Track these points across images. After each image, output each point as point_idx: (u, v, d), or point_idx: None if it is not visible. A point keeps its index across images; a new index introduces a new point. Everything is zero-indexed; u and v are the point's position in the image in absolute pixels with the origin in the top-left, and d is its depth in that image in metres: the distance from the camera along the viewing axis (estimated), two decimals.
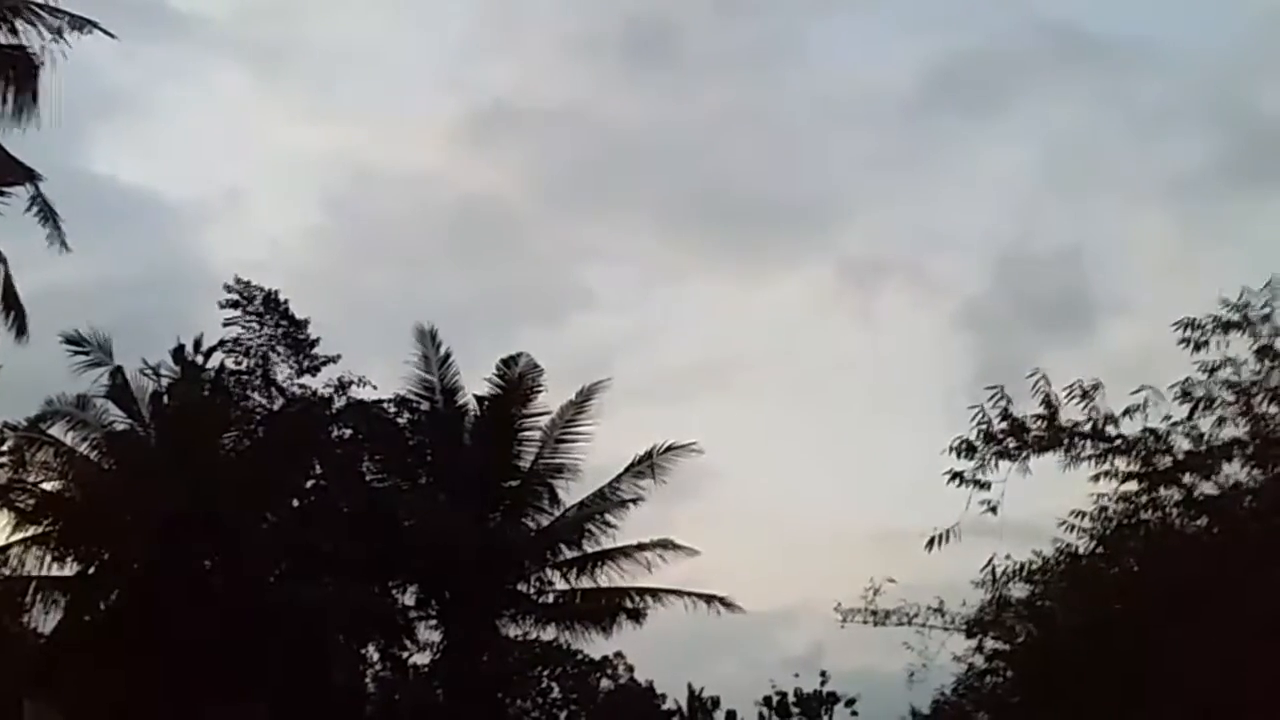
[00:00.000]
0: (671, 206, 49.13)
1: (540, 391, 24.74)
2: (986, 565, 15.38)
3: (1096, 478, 14.34)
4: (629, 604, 24.12)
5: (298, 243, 45.05)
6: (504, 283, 45.84)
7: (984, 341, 43.06)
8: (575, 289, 46.14)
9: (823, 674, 37.86)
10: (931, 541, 14.10)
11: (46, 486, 22.66)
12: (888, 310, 48.49)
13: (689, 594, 24.43)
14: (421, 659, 24.56)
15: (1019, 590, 16.53)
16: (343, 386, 24.01)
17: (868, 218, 50.33)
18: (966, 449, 13.96)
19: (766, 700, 38.67)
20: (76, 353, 22.76)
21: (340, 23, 51.27)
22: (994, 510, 13.89)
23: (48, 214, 18.62)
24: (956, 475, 13.94)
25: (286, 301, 24.31)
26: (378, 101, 50.12)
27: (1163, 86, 47.92)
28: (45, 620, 21.98)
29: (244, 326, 24.03)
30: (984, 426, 14.00)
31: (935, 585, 17.81)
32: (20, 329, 18.80)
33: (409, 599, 24.30)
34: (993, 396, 14.03)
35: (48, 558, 21.88)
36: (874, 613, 17.05)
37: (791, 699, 38.62)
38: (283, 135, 48.51)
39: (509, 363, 24.61)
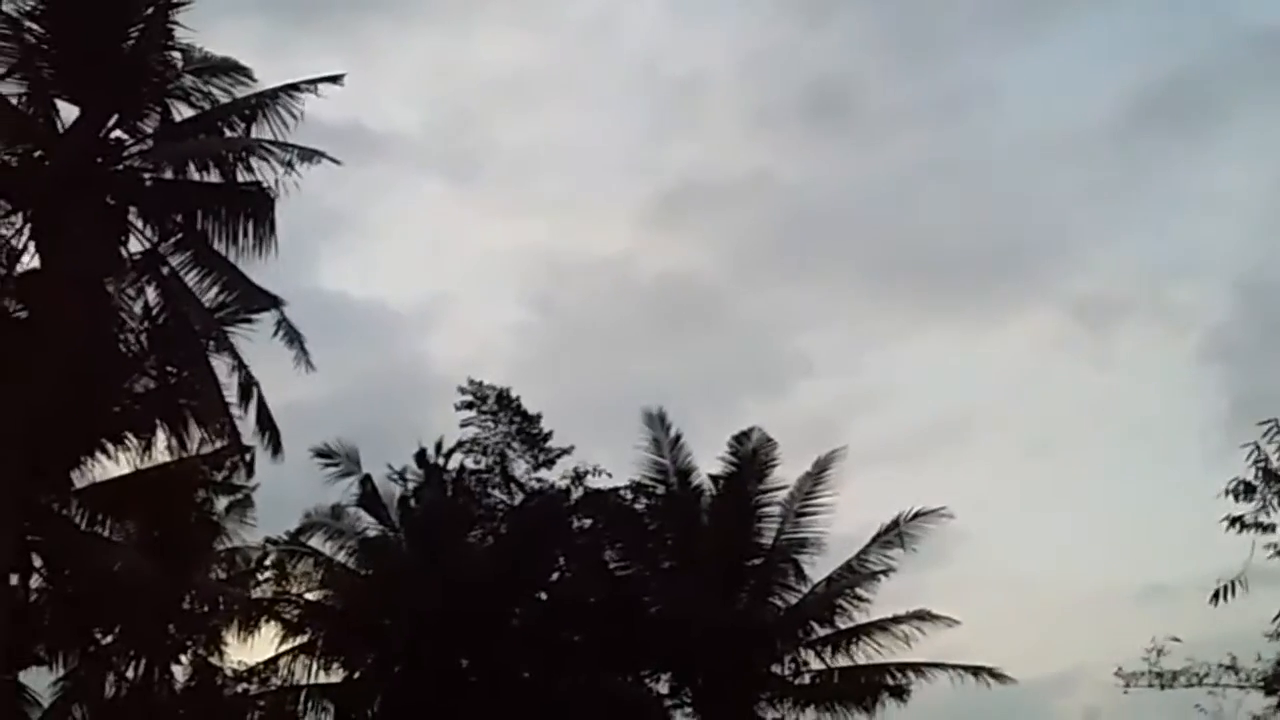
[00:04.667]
0: (876, 264, 47.70)
1: (775, 465, 24.42)
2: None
3: None
4: (890, 680, 23.17)
5: (506, 339, 46.13)
6: (716, 357, 45.24)
7: (1235, 373, 39.70)
8: (791, 356, 45.15)
9: None
10: (1217, 595, 13.01)
11: (309, 596, 23.64)
12: (1126, 348, 45.05)
13: (954, 666, 23.31)
14: None
15: None
16: (579, 477, 24.23)
17: (1092, 254, 47.47)
18: (1245, 490, 12.90)
19: None
20: (327, 464, 23.69)
21: (525, 122, 52.66)
22: None
23: (293, 336, 19.49)
24: (1235, 520, 12.89)
25: (518, 398, 24.79)
26: (568, 193, 50.85)
27: None
28: None
29: (479, 426, 24.60)
30: (1261, 464, 12.93)
31: (1218, 639, 16.33)
32: (275, 448, 19.63)
33: (662, 687, 24.06)
34: (1267, 432, 12.96)
35: (314, 666, 22.76)
36: (1159, 674, 15.79)
37: None
38: (482, 236, 49.94)
39: (741, 439, 24.39)
